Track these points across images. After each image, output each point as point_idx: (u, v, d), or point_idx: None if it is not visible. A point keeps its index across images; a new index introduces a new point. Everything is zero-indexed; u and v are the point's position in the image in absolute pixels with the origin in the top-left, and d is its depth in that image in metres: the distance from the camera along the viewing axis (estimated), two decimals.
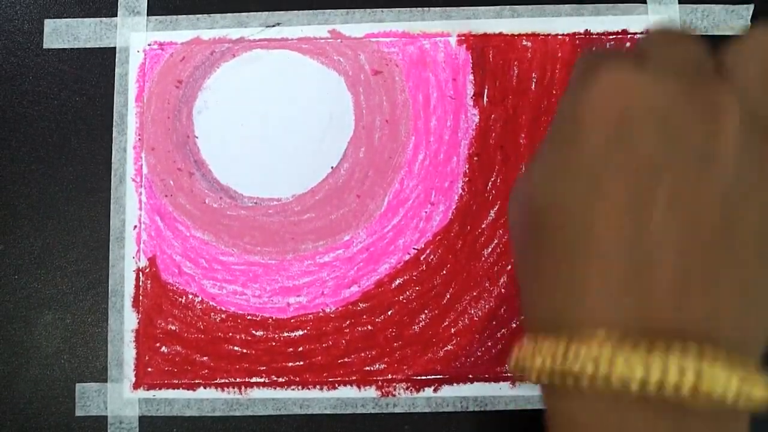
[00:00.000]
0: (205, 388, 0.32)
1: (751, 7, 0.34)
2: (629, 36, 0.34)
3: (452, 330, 0.32)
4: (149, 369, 0.32)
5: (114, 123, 0.34)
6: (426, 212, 0.33)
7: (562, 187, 0.18)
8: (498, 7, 0.34)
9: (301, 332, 0.33)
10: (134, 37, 0.35)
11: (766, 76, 0.17)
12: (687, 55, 0.18)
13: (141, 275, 0.33)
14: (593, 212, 0.17)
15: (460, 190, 0.33)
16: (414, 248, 0.33)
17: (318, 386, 0.32)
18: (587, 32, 0.34)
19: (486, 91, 0.34)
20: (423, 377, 0.32)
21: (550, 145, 0.19)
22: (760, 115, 0.17)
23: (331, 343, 0.32)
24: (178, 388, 0.32)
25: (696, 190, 0.16)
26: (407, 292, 0.33)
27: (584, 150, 0.17)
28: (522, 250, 0.20)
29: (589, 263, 0.17)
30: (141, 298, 0.33)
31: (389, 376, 0.32)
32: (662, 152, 0.17)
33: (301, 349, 0.32)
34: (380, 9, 0.34)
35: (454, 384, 0.32)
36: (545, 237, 0.18)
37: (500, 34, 0.34)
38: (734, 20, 0.34)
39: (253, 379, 0.32)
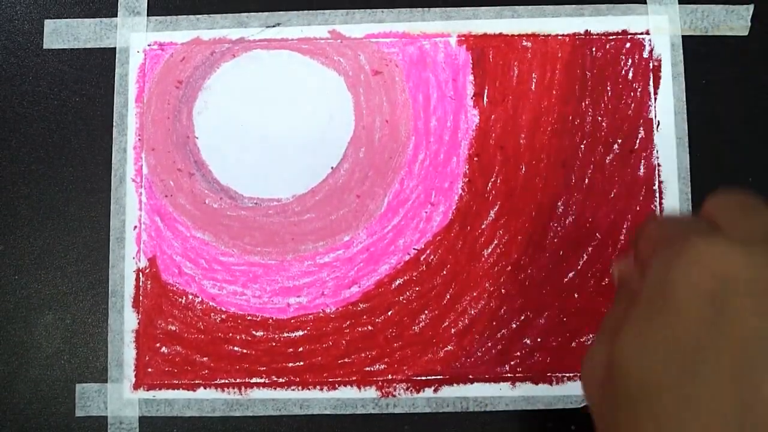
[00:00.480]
0: (205, 388, 0.32)
1: (751, 7, 0.34)
2: (629, 36, 0.34)
3: (452, 330, 0.32)
4: (149, 369, 0.32)
5: (114, 123, 0.34)
6: (426, 212, 0.33)
7: (658, 361, 0.17)
8: (498, 8, 0.34)
9: (301, 332, 0.33)
10: (134, 37, 0.35)
11: None
12: (764, 216, 0.18)
13: (141, 275, 0.33)
14: (696, 386, 0.17)
15: (460, 191, 0.33)
16: (414, 248, 0.33)
17: (318, 386, 0.32)
18: (587, 32, 0.34)
19: (486, 91, 0.34)
20: (423, 377, 0.32)
21: (642, 314, 0.19)
22: None
23: (331, 343, 0.32)
24: (178, 389, 0.32)
25: None
26: (407, 293, 0.33)
27: (681, 323, 0.17)
28: (605, 418, 0.20)
29: None
30: (141, 298, 0.33)
31: (389, 377, 0.32)
32: (763, 324, 0.16)
33: (301, 349, 0.32)
34: (380, 9, 0.34)
35: (454, 384, 0.32)
36: (641, 410, 0.18)
37: (500, 34, 0.34)
38: (734, 20, 0.34)
39: (253, 380, 0.32)
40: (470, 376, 0.32)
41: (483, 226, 0.33)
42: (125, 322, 0.33)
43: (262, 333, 0.33)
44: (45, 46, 0.35)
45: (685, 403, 0.17)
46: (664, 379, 0.17)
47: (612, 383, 0.19)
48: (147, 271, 0.33)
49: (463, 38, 0.34)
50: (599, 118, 0.33)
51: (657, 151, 0.33)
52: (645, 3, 0.34)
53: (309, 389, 0.32)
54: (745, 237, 0.18)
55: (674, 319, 0.17)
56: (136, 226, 0.33)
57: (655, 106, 0.33)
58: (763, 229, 0.18)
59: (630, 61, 0.34)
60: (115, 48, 0.35)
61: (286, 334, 0.33)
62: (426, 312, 0.32)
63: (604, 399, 0.20)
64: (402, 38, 0.34)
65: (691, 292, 0.17)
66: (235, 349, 0.33)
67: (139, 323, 0.33)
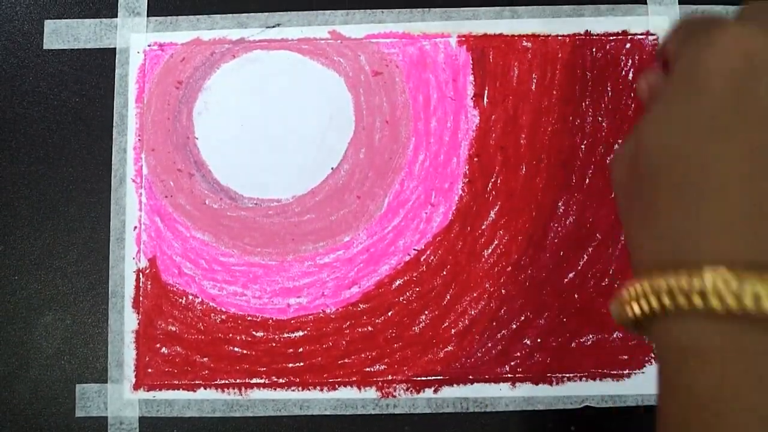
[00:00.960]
0: (205, 388, 0.32)
1: None
2: (629, 37, 0.34)
3: (452, 331, 0.32)
4: (149, 370, 0.32)
5: (114, 124, 0.34)
6: (426, 213, 0.33)
7: (683, 132, 0.19)
8: (498, 8, 0.34)
9: (301, 333, 0.33)
10: (134, 37, 0.35)
11: None
12: None
13: (141, 276, 0.33)
14: (715, 155, 0.18)
15: (460, 191, 0.33)
16: (414, 249, 0.33)
17: (318, 387, 0.32)
18: (587, 33, 0.34)
19: (486, 91, 0.34)
20: (423, 378, 0.32)
21: (668, 98, 0.20)
22: None
23: (331, 343, 0.32)
24: (178, 389, 0.32)
25: None
26: (407, 293, 0.33)
27: (708, 98, 0.18)
28: (631, 199, 0.21)
29: (709, 201, 0.18)
30: (141, 299, 0.33)
31: (389, 377, 0.32)
32: None
33: (301, 350, 0.32)
34: (380, 10, 0.34)
35: (454, 385, 0.32)
36: (661, 181, 0.19)
37: (500, 34, 0.34)
38: None
39: (254, 380, 0.32)
40: (470, 377, 0.32)
41: (483, 227, 0.33)
42: (125, 322, 0.33)
43: (262, 333, 0.33)
44: (45, 47, 0.35)
45: (703, 170, 0.18)
46: (684, 150, 0.19)
47: (637, 161, 0.20)
48: (147, 271, 0.33)
49: (463, 39, 0.34)
50: (599, 118, 0.33)
51: None
52: (645, 3, 0.34)
53: (309, 390, 0.32)
54: None
55: (700, 96, 0.19)
56: (136, 227, 0.33)
57: None
58: None
59: (630, 61, 0.34)
60: (115, 48, 0.35)
61: (286, 335, 0.33)
62: (426, 312, 0.32)
63: (630, 180, 0.21)
64: (402, 39, 0.34)
65: (718, 69, 0.18)
66: (235, 349, 0.33)
67: (139, 324, 0.33)
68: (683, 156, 0.18)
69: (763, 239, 0.17)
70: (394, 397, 0.32)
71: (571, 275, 0.33)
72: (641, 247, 0.20)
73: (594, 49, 0.34)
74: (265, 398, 0.32)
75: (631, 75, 0.34)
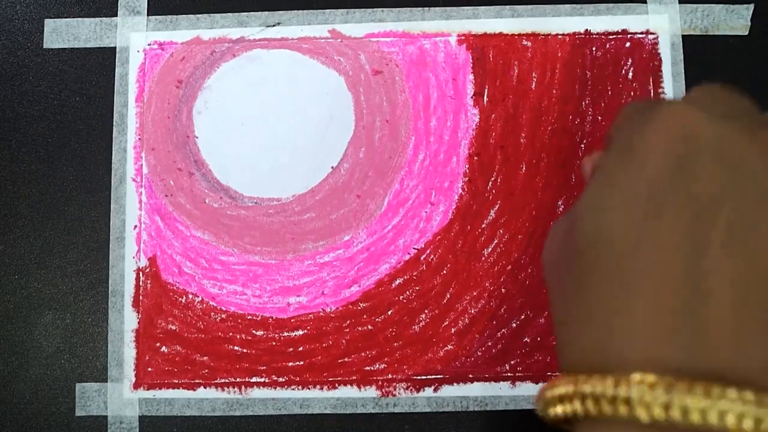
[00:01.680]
0: (205, 387, 0.32)
1: (751, 7, 0.34)
2: (629, 36, 0.34)
3: (452, 330, 0.32)
4: (149, 369, 0.32)
5: (114, 123, 0.34)
6: (426, 212, 0.33)
7: (615, 214, 0.18)
8: (498, 7, 0.34)
9: (301, 332, 0.33)
10: (134, 37, 0.35)
11: None
12: (742, 104, 0.19)
13: (141, 275, 0.33)
14: (647, 241, 0.17)
15: (460, 190, 0.33)
16: (414, 248, 0.33)
17: (318, 386, 0.32)
18: (587, 32, 0.34)
19: (486, 90, 0.34)
20: (423, 377, 0.32)
21: (603, 175, 0.19)
22: None
23: (331, 342, 0.32)
24: (178, 388, 0.32)
25: (756, 224, 0.16)
26: (407, 292, 0.33)
27: (643, 178, 0.17)
28: (561, 285, 0.20)
29: (639, 296, 0.17)
30: (141, 298, 0.33)
31: (389, 376, 0.32)
32: (723, 185, 0.17)
33: (301, 348, 0.32)
34: (380, 9, 0.34)
35: (455, 384, 0.32)
36: (592, 267, 0.18)
37: (500, 34, 0.34)
38: (734, 20, 0.34)
39: (254, 379, 0.32)
40: (470, 376, 0.32)
41: (483, 226, 0.33)
42: (125, 321, 0.33)
43: (262, 332, 0.33)
44: (45, 46, 0.35)
45: (636, 261, 0.17)
46: (617, 233, 0.17)
47: (570, 242, 0.19)
48: (147, 270, 0.33)
49: (463, 38, 0.34)
50: (599, 118, 0.33)
51: None
52: (645, 2, 0.34)
53: (309, 389, 0.32)
54: (718, 109, 0.18)
55: (637, 172, 0.18)
56: (136, 226, 0.33)
57: None
58: (736, 106, 0.19)
59: (630, 60, 0.34)
60: (115, 47, 0.35)
61: (286, 334, 0.33)
62: (426, 311, 0.32)
63: (561, 262, 0.20)
64: (402, 38, 0.34)
65: (656, 147, 0.18)
66: (235, 348, 0.33)
67: (139, 323, 0.33)
68: (617, 236, 0.17)
69: (698, 338, 0.16)
70: (394, 396, 0.32)
71: None
72: (568, 343, 0.19)
73: (594, 48, 0.34)
74: (265, 397, 0.32)
75: (631, 74, 0.34)
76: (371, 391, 0.32)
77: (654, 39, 0.34)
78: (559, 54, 0.34)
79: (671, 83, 0.33)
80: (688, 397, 0.15)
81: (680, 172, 0.17)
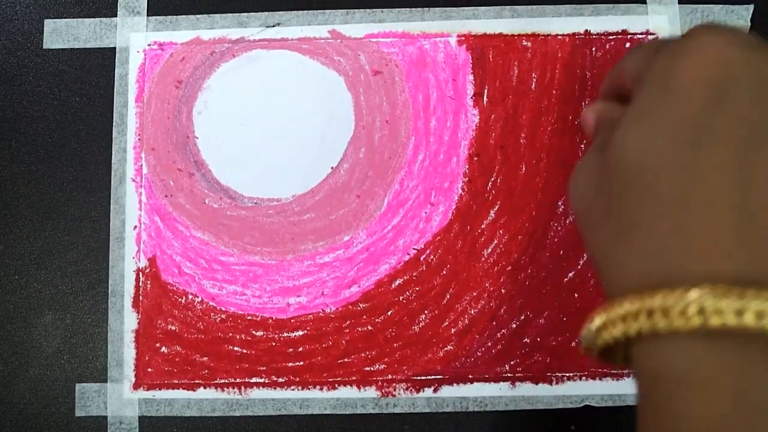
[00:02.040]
0: (205, 388, 0.32)
1: (751, 7, 0.34)
2: (629, 36, 0.34)
3: (452, 330, 0.32)
4: (149, 369, 0.32)
5: (114, 123, 0.34)
6: (426, 212, 0.33)
7: (664, 140, 0.18)
8: (498, 8, 0.34)
9: (301, 332, 0.33)
10: (134, 37, 0.35)
11: None
12: (749, 36, 0.19)
13: (141, 275, 0.33)
14: (698, 167, 0.17)
15: (460, 191, 0.33)
16: (414, 248, 0.33)
17: (318, 386, 0.32)
18: (587, 32, 0.34)
19: (486, 91, 0.34)
20: (423, 377, 0.32)
21: (642, 107, 0.19)
22: None
23: (331, 343, 0.32)
24: (178, 389, 0.32)
25: None
26: (407, 293, 0.33)
27: (688, 106, 0.18)
28: (603, 217, 0.20)
29: (700, 212, 0.17)
30: (141, 298, 0.33)
31: (389, 377, 0.32)
32: (761, 112, 0.17)
33: (301, 349, 0.32)
34: (380, 9, 0.34)
35: (454, 384, 0.32)
36: (642, 191, 0.18)
37: (500, 34, 0.34)
38: (734, 20, 0.34)
39: (253, 380, 0.32)
40: (470, 376, 0.32)
41: (483, 226, 0.33)
42: (125, 322, 0.33)
43: (262, 333, 0.33)
44: (45, 46, 0.35)
45: (687, 180, 0.17)
46: (665, 160, 0.18)
47: (609, 175, 0.19)
48: (147, 271, 0.33)
49: (463, 38, 0.34)
50: None
51: None
52: (645, 3, 0.34)
53: (309, 389, 0.32)
54: (746, 42, 0.18)
55: (677, 105, 0.18)
56: (136, 226, 0.33)
57: None
58: (752, 40, 0.19)
59: None
60: (115, 48, 0.35)
61: (286, 334, 0.33)
62: (426, 312, 0.32)
63: (598, 196, 0.20)
64: (402, 38, 0.34)
65: (695, 78, 0.18)
66: (235, 349, 0.33)
67: (138, 323, 0.33)
68: (666, 165, 0.18)
69: (758, 251, 0.16)
70: (394, 396, 0.32)
71: (571, 275, 0.33)
72: (621, 266, 0.19)
73: (594, 49, 0.34)
74: (265, 397, 0.32)
75: None
76: (371, 392, 0.32)
77: (654, 39, 0.34)
78: (559, 54, 0.34)
79: None
80: (759, 300, 0.15)
81: (722, 103, 0.17)
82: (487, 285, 0.33)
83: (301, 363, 0.32)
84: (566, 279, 0.32)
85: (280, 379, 0.32)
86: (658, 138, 0.18)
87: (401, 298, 0.33)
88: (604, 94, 0.26)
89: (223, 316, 0.33)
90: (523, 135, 0.33)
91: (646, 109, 0.19)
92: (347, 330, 0.32)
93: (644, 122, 0.19)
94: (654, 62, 0.20)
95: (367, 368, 0.32)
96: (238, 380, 0.32)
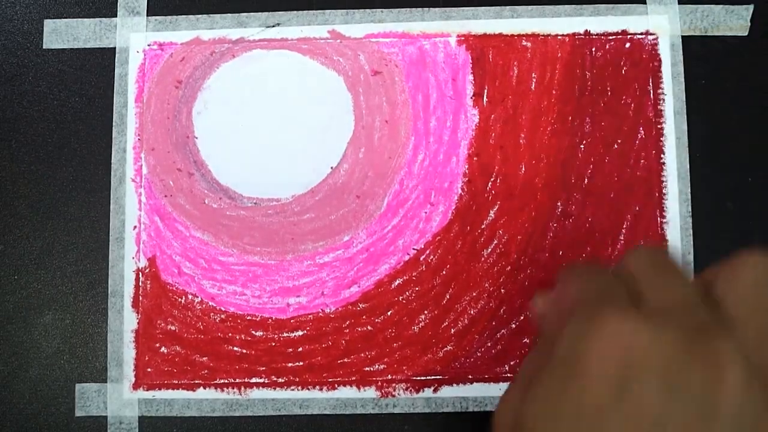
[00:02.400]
0: (204, 388, 0.32)
1: (751, 7, 0.34)
2: (629, 36, 0.34)
3: (452, 330, 0.32)
4: (149, 369, 0.32)
5: (114, 123, 0.34)
6: (426, 213, 0.33)
7: (563, 425, 0.18)
8: (498, 8, 0.34)
9: (300, 332, 0.33)
10: (134, 37, 0.35)
11: (760, 317, 0.18)
12: (682, 297, 0.19)
13: (141, 275, 0.33)
14: None
15: (460, 191, 0.33)
16: (414, 249, 0.33)
17: (318, 387, 0.32)
18: (587, 32, 0.34)
19: (486, 91, 0.34)
20: (423, 378, 0.32)
21: (551, 380, 0.19)
22: (758, 363, 0.17)
23: (330, 343, 0.32)
24: (178, 389, 0.32)
25: None
26: (407, 293, 0.33)
27: (586, 396, 0.18)
28: None
29: None
30: (141, 298, 0.33)
31: (389, 377, 0.32)
32: (664, 404, 0.17)
33: (300, 349, 0.32)
34: (380, 9, 0.34)
35: (454, 384, 0.32)
36: None
37: (500, 34, 0.34)
38: (734, 20, 0.34)
39: (253, 380, 0.32)
40: (470, 376, 0.32)
41: (483, 226, 0.33)
42: (125, 322, 0.33)
43: (261, 333, 0.33)
44: (45, 46, 0.35)
45: None
46: None
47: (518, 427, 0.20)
48: (146, 271, 0.33)
49: (462, 38, 0.34)
50: (599, 118, 0.33)
51: (656, 151, 0.33)
52: (645, 3, 0.34)
53: (309, 389, 0.32)
54: (658, 313, 0.19)
55: (582, 389, 0.18)
56: (135, 226, 0.33)
57: (655, 106, 0.33)
58: (677, 303, 0.19)
59: (630, 61, 0.34)
60: (114, 48, 0.35)
61: (285, 334, 0.33)
62: (425, 312, 0.32)
63: None
64: (402, 38, 0.34)
65: (600, 365, 0.18)
66: (235, 349, 0.33)
67: (138, 323, 0.33)
68: None
69: None
70: (394, 396, 0.32)
71: None
72: None
73: (594, 49, 0.34)
74: (265, 398, 0.32)
75: (631, 75, 0.34)
76: (371, 392, 0.32)
77: (654, 39, 0.34)
78: (559, 54, 0.34)
79: (671, 84, 0.33)
80: None
81: (622, 392, 0.18)
82: (486, 285, 0.33)
83: (301, 363, 0.32)
84: None
85: (280, 380, 0.32)
86: (562, 419, 0.18)
87: (401, 298, 0.33)
88: (558, 284, 0.26)
89: (222, 316, 0.33)
90: (522, 135, 0.33)
91: (554, 383, 0.19)
92: (347, 330, 0.32)
93: (551, 398, 0.19)
94: (565, 334, 0.20)
95: (367, 368, 0.32)
96: (237, 380, 0.32)
